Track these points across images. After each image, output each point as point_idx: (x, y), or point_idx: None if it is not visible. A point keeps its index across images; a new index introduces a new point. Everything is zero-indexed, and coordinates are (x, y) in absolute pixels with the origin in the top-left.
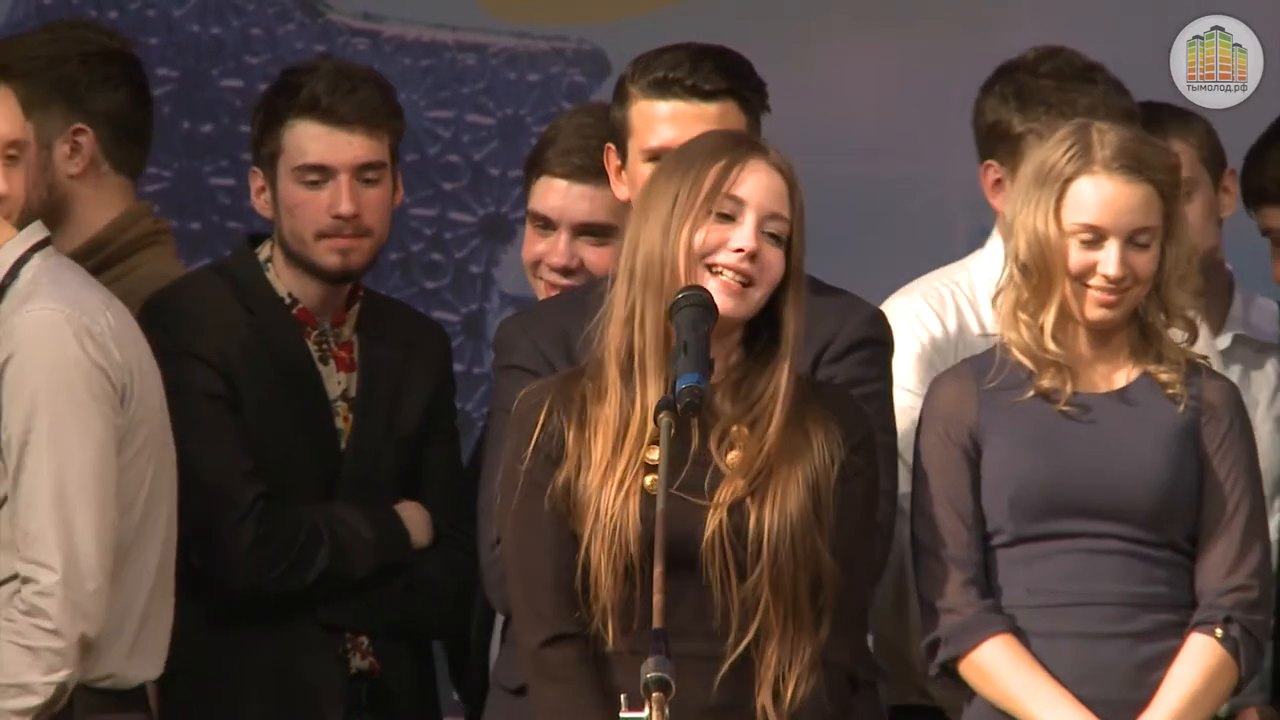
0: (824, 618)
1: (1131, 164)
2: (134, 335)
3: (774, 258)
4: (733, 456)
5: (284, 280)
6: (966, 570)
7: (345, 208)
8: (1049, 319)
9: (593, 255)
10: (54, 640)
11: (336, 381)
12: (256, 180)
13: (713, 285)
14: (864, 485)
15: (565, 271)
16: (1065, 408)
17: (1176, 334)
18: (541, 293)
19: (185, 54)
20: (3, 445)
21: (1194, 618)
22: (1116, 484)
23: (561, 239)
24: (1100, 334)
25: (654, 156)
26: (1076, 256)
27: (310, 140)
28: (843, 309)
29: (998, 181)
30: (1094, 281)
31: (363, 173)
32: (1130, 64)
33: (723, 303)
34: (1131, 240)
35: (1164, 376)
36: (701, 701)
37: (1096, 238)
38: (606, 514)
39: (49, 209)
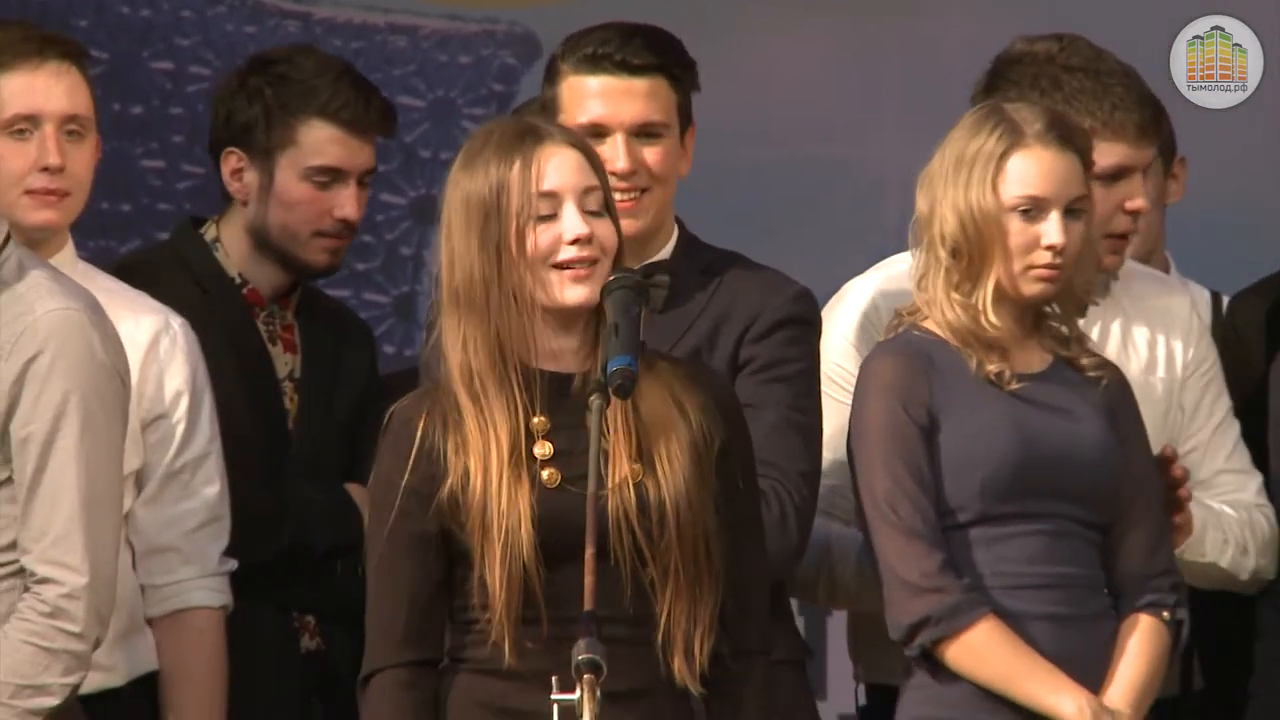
0: (718, 578)
1: (1062, 134)
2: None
3: (606, 229)
4: (614, 437)
5: (235, 261)
6: (942, 549)
7: (353, 213)
8: (986, 296)
9: None
10: (76, 644)
11: (284, 362)
12: (232, 161)
13: (561, 279)
14: (742, 456)
15: None
16: (1016, 387)
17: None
18: None
19: (115, 36)
20: (14, 441)
21: (1137, 599)
22: (1081, 465)
23: None
24: (1019, 316)
25: (584, 132)
26: (1018, 230)
27: (331, 143)
28: (766, 287)
29: None
30: (1036, 256)
31: (365, 178)
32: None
33: (576, 294)
34: (1069, 210)
35: (1084, 359)
36: (629, 684)
37: (1037, 209)
38: (497, 525)
39: None
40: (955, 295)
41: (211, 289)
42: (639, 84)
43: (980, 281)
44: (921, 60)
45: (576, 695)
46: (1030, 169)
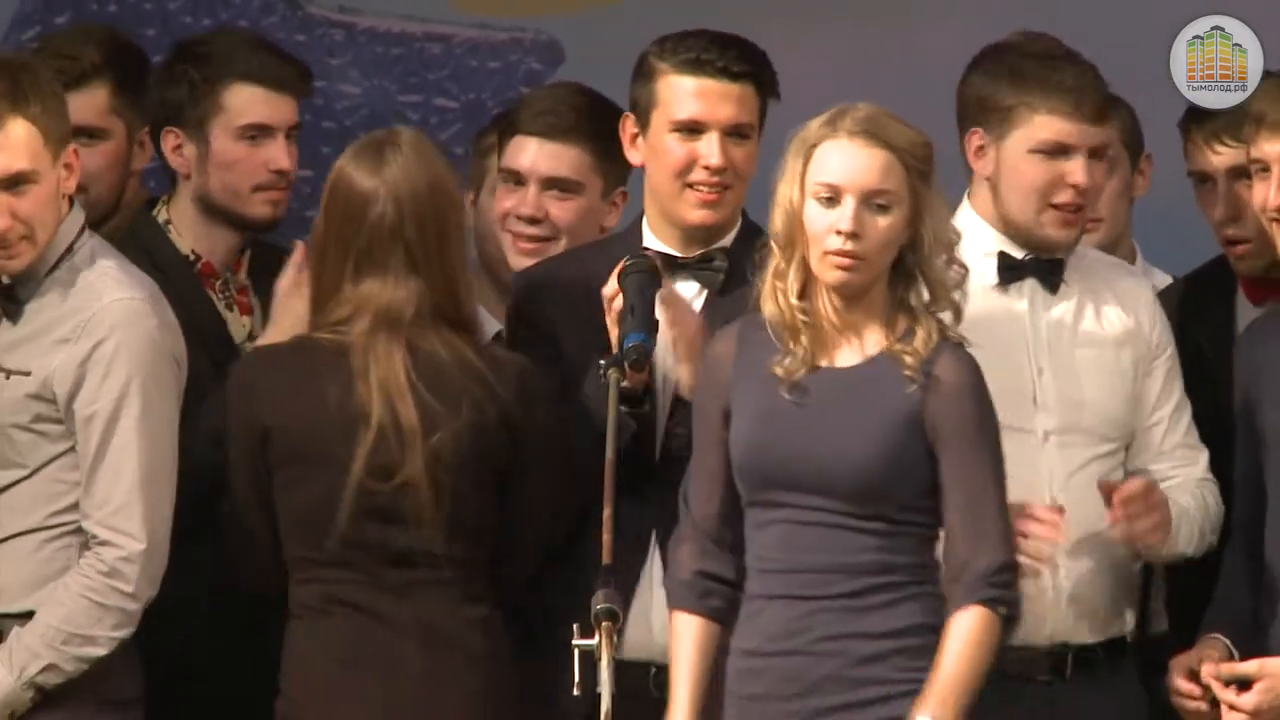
0: None
1: (872, 130)
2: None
3: None
4: None
5: (187, 239)
6: (697, 529)
7: (286, 164)
8: (793, 284)
9: (558, 209)
10: (128, 603)
11: (242, 325)
12: (170, 139)
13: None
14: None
15: (532, 221)
16: (795, 382)
17: (947, 317)
18: (509, 245)
19: None
20: (78, 417)
21: (973, 593)
22: (819, 463)
23: (530, 192)
24: (850, 308)
25: (680, 128)
26: (814, 217)
27: (255, 102)
28: None
29: (980, 148)
30: (829, 243)
31: (291, 133)
32: (1130, 64)
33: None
34: (868, 202)
35: (907, 357)
36: None
37: (833, 196)
38: None
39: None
40: (778, 284)
41: (167, 269)
42: (735, 89)
43: (791, 269)
44: (919, 68)
45: (595, 640)
46: (830, 159)
